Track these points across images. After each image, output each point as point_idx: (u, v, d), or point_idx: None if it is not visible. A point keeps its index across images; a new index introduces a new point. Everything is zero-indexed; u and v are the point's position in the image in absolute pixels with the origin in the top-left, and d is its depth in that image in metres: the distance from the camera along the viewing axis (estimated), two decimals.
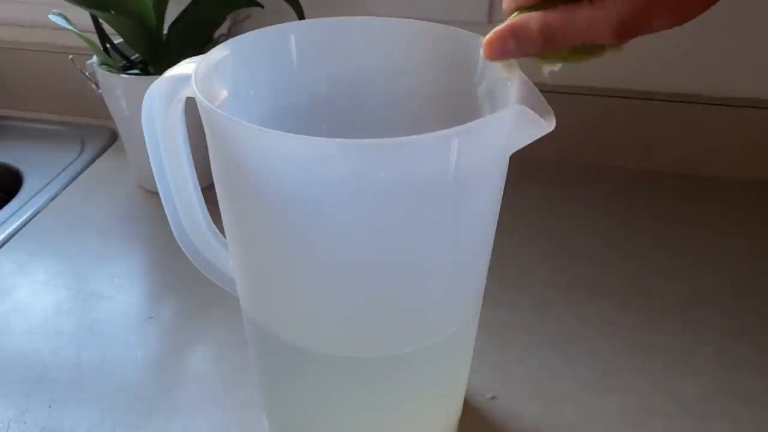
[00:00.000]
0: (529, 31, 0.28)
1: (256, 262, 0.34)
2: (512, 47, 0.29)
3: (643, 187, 0.67)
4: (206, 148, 0.33)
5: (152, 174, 0.37)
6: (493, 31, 0.30)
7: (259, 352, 0.39)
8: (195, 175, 0.38)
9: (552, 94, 0.32)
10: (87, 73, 0.65)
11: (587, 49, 0.29)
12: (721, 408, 0.44)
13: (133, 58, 0.65)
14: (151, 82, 0.35)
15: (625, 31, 0.27)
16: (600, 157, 0.69)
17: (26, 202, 0.66)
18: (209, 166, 0.33)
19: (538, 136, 0.30)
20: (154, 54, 0.64)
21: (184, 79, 0.33)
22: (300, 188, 0.29)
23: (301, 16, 0.63)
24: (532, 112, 0.28)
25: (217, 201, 0.34)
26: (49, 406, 0.45)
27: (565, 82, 0.68)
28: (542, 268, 0.57)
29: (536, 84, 0.30)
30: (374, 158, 0.28)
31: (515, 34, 0.29)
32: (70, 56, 0.66)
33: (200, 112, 0.31)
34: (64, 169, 0.71)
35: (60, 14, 0.62)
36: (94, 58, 0.65)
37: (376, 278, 0.32)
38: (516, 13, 0.30)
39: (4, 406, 0.45)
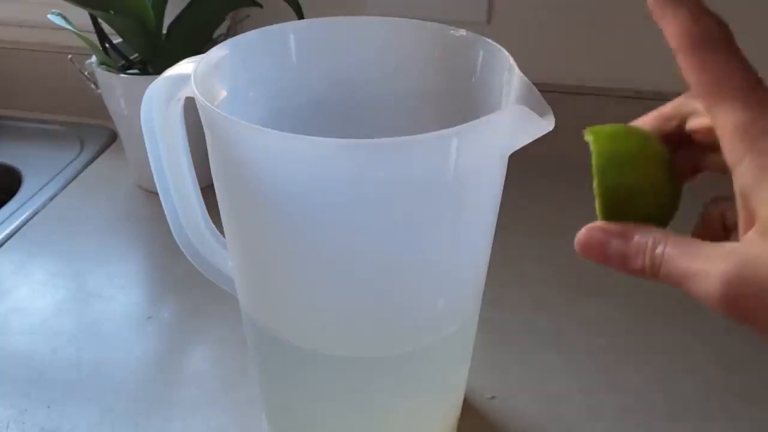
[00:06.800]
0: (639, 254, 0.24)
1: (256, 262, 0.34)
2: (614, 258, 0.25)
3: None
4: (206, 148, 0.33)
5: (151, 174, 0.37)
6: (602, 226, 0.25)
7: (259, 352, 0.39)
8: (194, 175, 0.38)
9: (552, 94, 0.32)
10: (86, 73, 0.65)
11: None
12: (721, 407, 0.44)
13: (132, 57, 0.65)
14: (151, 82, 0.35)
15: (731, 307, 0.22)
16: None
17: (25, 202, 0.66)
18: (209, 166, 0.33)
19: (538, 136, 0.30)
20: (153, 54, 0.64)
21: (184, 78, 0.33)
22: (299, 188, 0.29)
23: (300, 16, 0.63)
24: (531, 111, 0.28)
25: (216, 201, 0.34)
26: (48, 406, 0.45)
27: (566, 82, 0.68)
28: (542, 268, 0.57)
29: (536, 84, 0.30)
30: (373, 158, 0.28)
31: (622, 251, 0.24)
32: (70, 56, 0.66)
33: (199, 112, 0.31)
34: (63, 169, 0.71)
35: (59, 14, 0.62)
36: (93, 58, 0.65)
37: (375, 278, 0.32)
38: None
39: (3, 406, 0.45)
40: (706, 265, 0.22)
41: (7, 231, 0.62)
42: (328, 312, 0.33)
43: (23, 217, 0.64)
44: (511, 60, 0.32)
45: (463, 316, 0.36)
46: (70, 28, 0.62)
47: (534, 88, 0.29)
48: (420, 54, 0.38)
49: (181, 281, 0.56)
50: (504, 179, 0.33)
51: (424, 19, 0.37)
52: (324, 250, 0.31)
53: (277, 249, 0.32)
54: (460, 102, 0.37)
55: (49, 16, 0.62)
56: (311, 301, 0.33)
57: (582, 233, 0.25)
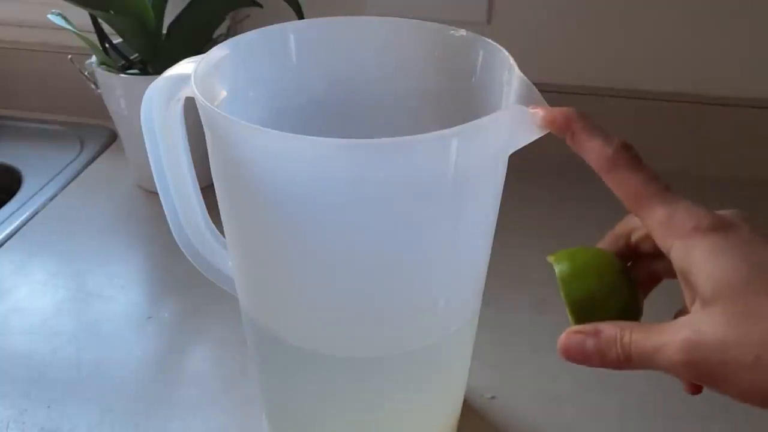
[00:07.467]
0: (611, 346, 0.28)
1: (256, 262, 0.34)
2: (592, 354, 0.29)
3: None
4: (206, 148, 0.33)
5: (151, 174, 0.37)
6: (577, 329, 0.29)
7: (259, 352, 0.39)
8: (194, 175, 0.38)
9: (552, 94, 0.32)
10: (86, 73, 0.65)
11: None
12: (721, 407, 0.44)
13: (132, 57, 0.65)
14: (151, 82, 0.35)
15: (692, 369, 0.25)
16: None
17: (25, 202, 0.66)
18: (209, 166, 0.33)
19: (538, 136, 0.30)
20: (153, 54, 0.64)
21: (184, 78, 0.33)
22: (299, 188, 0.29)
23: (300, 16, 0.63)
24: None
25: (216, 201, 0.34)
26: (48, 406, 0.45)
27: (566, 82, 0.68)
28: (542, 268, 0.56)
29: (536, 84, 0.30)
30: (373, 158, 0.28)
31: (597, 347, 0.28)
32: (70, 56, 0.66)
33: (199, 112, 0.31)
34: (63, 169, 0.71)
35: (59, 14, 0.62)
36: (93, 58, 0.65)
37: (375, 278, 0.32)
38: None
39: (3, 405, 0.45)
40: (667, 338, 0.25)
41: (7, 231, 0.62)
42: (328, 312, 0.33)
43: (23, 217, 0.64)
44: (511, 60, 0.32)
45: (463, 316, 0.36)
46: (70, 28, 0.62)
47: (534, 88, 0.30)
48: (420, 54, 0.38)
49: (181, 281, 0.56)
50: (504, 179, 0.33)
51: (424, 19, 0.37)
52: (324, 250, 0.31)
53: (277, 249, 0.32)
54: (460, 102, 0.37)
55: (49, 16, 0.62)
56: (311, 301, 0.33)
57: (562, 338, 0.29)
